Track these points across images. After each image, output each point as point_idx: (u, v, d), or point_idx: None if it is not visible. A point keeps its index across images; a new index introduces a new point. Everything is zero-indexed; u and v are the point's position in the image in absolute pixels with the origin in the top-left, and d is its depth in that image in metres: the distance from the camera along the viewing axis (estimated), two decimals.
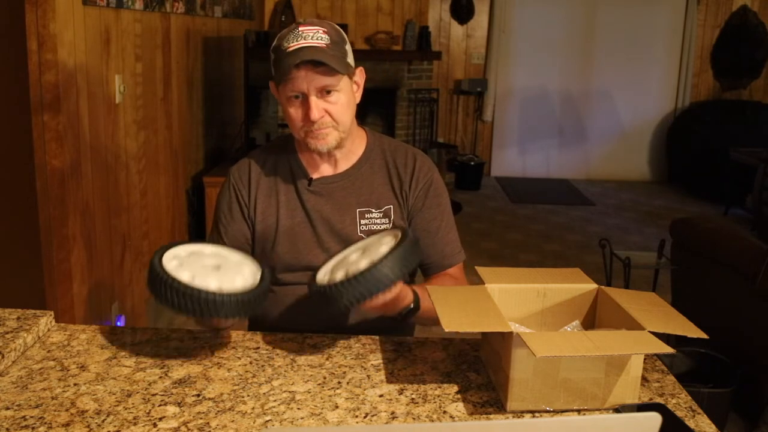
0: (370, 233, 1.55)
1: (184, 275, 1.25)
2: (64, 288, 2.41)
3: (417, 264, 1.32)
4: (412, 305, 1.43)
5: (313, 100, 1.45)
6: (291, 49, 1.43)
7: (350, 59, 1.51)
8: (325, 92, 1.46)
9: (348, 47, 1.51)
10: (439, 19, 6.92)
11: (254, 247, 1.59)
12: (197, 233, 3.92)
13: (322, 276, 1.34)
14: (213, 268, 1.31)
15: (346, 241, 1.56)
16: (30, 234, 2.34)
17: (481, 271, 1.40)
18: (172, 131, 3.51)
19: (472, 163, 6.67)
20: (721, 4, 7.03)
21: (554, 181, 7.17)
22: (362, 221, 1.57)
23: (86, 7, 2.47)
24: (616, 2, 6.99)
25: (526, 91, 7.16)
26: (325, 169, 1.59)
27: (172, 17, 3.44)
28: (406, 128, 6.45)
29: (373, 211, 1.57)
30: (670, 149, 7.01)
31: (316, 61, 1.41)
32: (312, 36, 1.44)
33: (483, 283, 1.36)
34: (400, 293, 1.34)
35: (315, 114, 1.45)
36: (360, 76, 1.57)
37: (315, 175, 1.59)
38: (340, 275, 1.27)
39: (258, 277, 1.34)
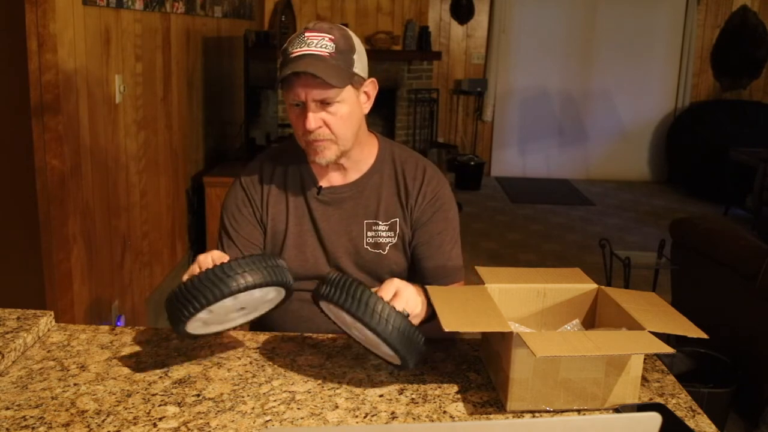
0: (376, 246, 1.55)
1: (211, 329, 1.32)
2: (64, 288, 2.41)
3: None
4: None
5: (311, 111, 1.41)
6: (293, 55, 1.39)
7: (359, 69, 1.44)
8: (324, 103, 1.42)
9: (356, 56, 1.44)
10: (439, 19, 6.92)
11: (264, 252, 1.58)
12: (197, 233, 3.92)
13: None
14: (237, 310, 1.29)
15: (353, 253, 1.55)
16: (30, 234, 2.34)
17: (481, 271, 1.40)
18: (172, 131, 3.51)
19: (472, 163, 6.67)
20: (721, 4, 7.03)
21: (554, 181, 7.17)
22: (369, 233, 1.55)
23: (86, 7, 2.47)
24: (616, 2, 6.99)
25: (526, 91, 7.15)
26: (335, 178, 1.56)
27: (172, 17, 3.44)
28: (406, 128, 6.45)
29: (380, 223, 1.55)
30: (670, 149, 7.01)
31: (310, 73, 1.37)
32: (316, 43, 1.39)
33: (483, 283, 1.36)
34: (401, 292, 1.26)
35: (311, 124, 1.41)
36: (372, 87, 1.51)
37: (324, 184, 1.56)
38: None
39: (283, 294, 1.33)
